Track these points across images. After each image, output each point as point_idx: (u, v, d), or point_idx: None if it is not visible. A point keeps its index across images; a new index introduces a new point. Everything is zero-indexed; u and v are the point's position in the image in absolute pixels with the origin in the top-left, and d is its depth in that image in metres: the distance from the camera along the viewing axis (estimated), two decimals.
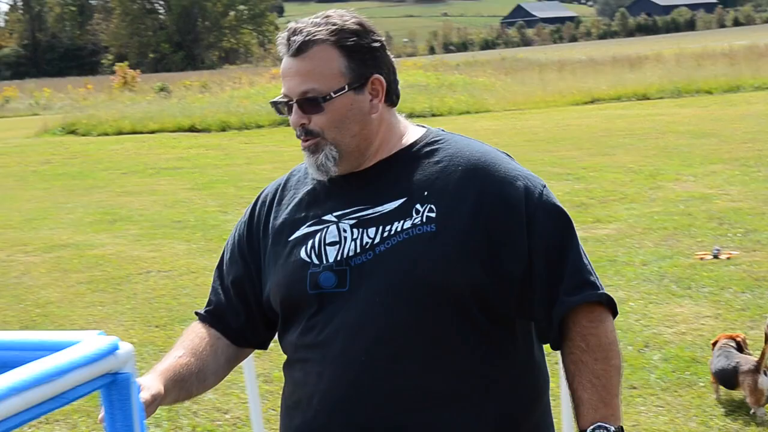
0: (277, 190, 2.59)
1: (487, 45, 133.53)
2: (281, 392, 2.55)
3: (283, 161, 17.71)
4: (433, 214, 2.32)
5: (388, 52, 2.47)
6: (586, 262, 2.36)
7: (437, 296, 2.30)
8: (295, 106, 2.35)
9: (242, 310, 2.58)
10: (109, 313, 8.08)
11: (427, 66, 45.91)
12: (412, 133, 2.50)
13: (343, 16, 2.41)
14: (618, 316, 2.36)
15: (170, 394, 2.44)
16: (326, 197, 2.46)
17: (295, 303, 2.43)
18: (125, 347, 2.04)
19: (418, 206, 2.35)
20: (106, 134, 26.47)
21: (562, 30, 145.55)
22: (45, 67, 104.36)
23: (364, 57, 2.38)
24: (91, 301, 8.57)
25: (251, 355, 4.03)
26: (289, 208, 2.52)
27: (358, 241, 2.36)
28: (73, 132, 27.63)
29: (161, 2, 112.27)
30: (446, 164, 2.40)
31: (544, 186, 2.38)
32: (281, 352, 2.51)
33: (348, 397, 2.31)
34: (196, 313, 2.67)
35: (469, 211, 2.32)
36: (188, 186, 15.61)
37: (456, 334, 2.31)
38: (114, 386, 2.09)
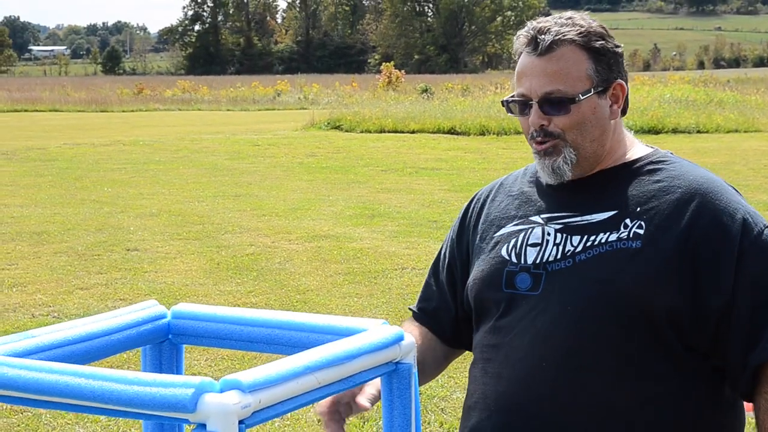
0: (491, 189, 2.56)
1: (762, 62, 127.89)
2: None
3: None
4: (641, 231, 2.23)
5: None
6: None
7: (632, 313, 2.20)
8: (535, 107, 2.27)
9: (454, 308, 2.55)
10: (364, 305, 8.27)
11: (696, 81, 44.56)
12: (638, 149, 2.42)
13: (585, 18, 2.35)
14: None
15: None
16: (538, 199, 2.42)
17: (487, 300, 2.39)
18: (408, 338, 2.13)
19: (627, 221, 2.25)
20: (369, 131, 26.96)
21: None
22: (315, 63, 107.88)
23: (609, 61, 2.32)
24: (347, 291, 8.81)
25: None
26: (501, 205, 2.48)
27: (560, 247, 2.30)
28: (337, 127, 28.29)
29: (430, 5, 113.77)
30: (666, 185, 2.30)
31: (767, 226, 2.23)
32: None
33: (525, 402, 2.25)
34: (411, 309, 2.66)
35: (678, 234, 2.21)
36: (446, 187, 15.77)
37: (647, 356, 2.21)
38: (395, 375, 2.18)
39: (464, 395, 6.47)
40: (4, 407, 5.88)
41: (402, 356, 2.15)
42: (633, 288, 2.19)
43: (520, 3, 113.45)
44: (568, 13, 2.37)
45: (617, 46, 2.34)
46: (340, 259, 10.18)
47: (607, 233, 2.26)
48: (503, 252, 2.37)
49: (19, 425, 5.68)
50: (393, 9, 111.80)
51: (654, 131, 23.67)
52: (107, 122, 33.72)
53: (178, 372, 2.55)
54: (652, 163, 2.35)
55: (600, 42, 2.30)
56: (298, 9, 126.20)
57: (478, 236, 2.48)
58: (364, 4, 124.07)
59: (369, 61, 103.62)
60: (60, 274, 9.53)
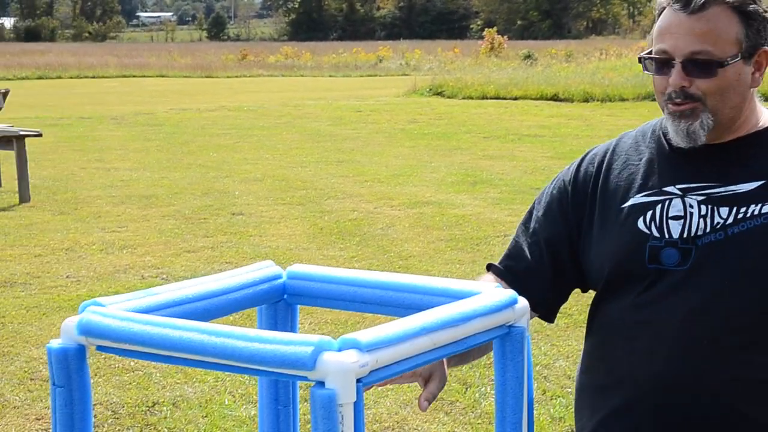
0: (606, 152, 2.43)
1: None
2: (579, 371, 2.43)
3: None
4: None
5: None
6: None
7: None
8: (678, 66, 2.18)
9: (550, 273, 2.43)
10: (467, 271, 8.27)
11: None
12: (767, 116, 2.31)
13: None
14: None
15: (450, 363, 2.41)
16: (667, 167, 2.32)
17: (626, 275, 2.30)
18: (522, 302, 2.13)
19: None
20: (471, 98, 26.89)
21: None
22: (417, 29, 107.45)
23: (759, 26, 2.20)
24: (450, 258, 8.83)
25: None
26: (623, 173, 2.37)
27: (707, 219, 2.20)
28: (439, 94, 28.27)
29: None
30: None
31: None
32: None
33: (687, 380, 2.20)
34: (490, 266, 2.51)
35: None
36: (548, 154, 15.65)
37: None
38: (508, 338, 2.18)
39: (567, 364, 6.40)
40: (117, 366, 6.05)
41: (516, 319, 2.15)
42: None
43: None
44: None
45: (766, 11, 2.23)
46: (442, 225, 10.20)
47: (759, 204, 2.17)
48: (641, 225, 2.27)
49: (130, 383, 5.83)
50: None
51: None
52: (212, 88, 34.12)
53: (293, 332, 2.60)
54: None
55: (753, 6, 2.19)
56: None
57: (598, 203, 2.37)
58: None
59: (471, 26, 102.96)
60: (168, 236, 9.73)
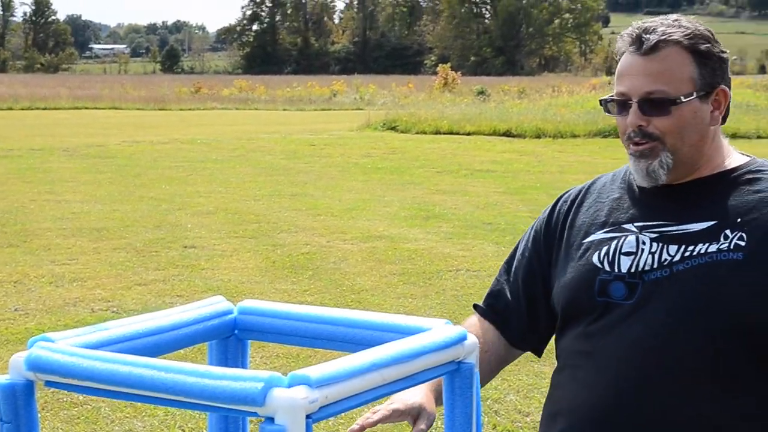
0: (580, 192, 2.48)
1: None
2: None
3: (597, 172, 17.20)
4: (742, 243, 2.15)
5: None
6: None
7: (733, 327, 2.13)
8: (634, 107, 2.21)
9: (527, 309, 2.49)
10: (419, 305, 8.28)
11: (757, 85, 44.02)
12: (735, 158, 2.33)
13: (692, 21, 2.27)
14: None
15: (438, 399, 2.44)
16: (630, 206, 2.34)
17: (577, 307, 2.33)
18: (471, 338, 2.15)
19: (727, 232, 2.17)
20: (424, 133, 26.98)
21: None
22: (371, 64, 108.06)
23: (713, 66, 2.24)
24: (402, 292, 8.83)
25: None
26: (590, 211, 2.41)
27: (656, 256, 2.22)
28: (393, 128, 28.32)
29: (488, 7, 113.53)
30: (766, 195, 2.21)
31: None
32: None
33: (615, 413, 2.21)
34: (475, 306, 2.60)
35: None
36: (500, 189, 15.73)
37: (748, 371, 2.15)
38: (457, 374, 2.20)
39: (517, 398, 6.46)
40: (65, 400, 5.98)
41: (465, 355, 2.17)
42: (735, 301, 2.13)
43: (579, 5, 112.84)
44: (674, 16, 2.30)
45: (723, 52, 2.27)
46: (395, 259, 10.20)
47: (707, 244, 2.18)
48: (595, 259, 2.31)
49: (78, 417, 5.77)
50: (450, 10, 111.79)
51: None
52: (165, 120, 33.99)
53: (243, 367, 2.59)
54: (751, 172, 2.28)
55: (706, 45, 2.23)
56: (355, 9, 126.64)
57: (564, 241, 2.43)
58: (422, 5, 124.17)
59: (425, 62, 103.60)
60: (119, 269, 9.65)
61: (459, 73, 52.12)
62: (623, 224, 2.31)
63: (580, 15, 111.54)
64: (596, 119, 26.68)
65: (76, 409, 5.88)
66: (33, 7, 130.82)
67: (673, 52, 2.21)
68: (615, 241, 2.30)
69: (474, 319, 2.60)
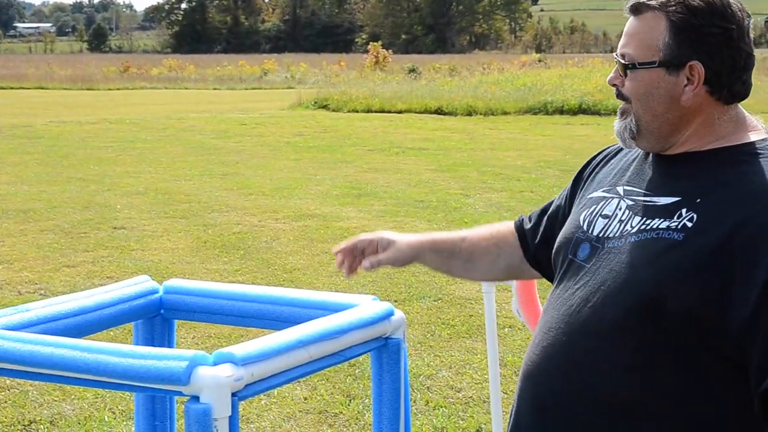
0: (617, 147, 2.45)
1: None
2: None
3: (528, 149, 17.66)
4: (690, 224, 2.09)
5: (743, 44, 2.16)
6: None
7: (652, 304, 2.08)
8: (617, 64, 2.23)
9: (542, 234, 2.57)
10: (351, 284, 8.25)
11: None
12: (738, 136, 2.22)
13: None
14: None
15: (426, 254, 2.64)
16: (633, 170, 2.33)
17: (557, 260, 2.36)
18: (398, 314, 2.16)
19: (683, 210, 2.12)
20: (356, 111, 26.95)
21: None
22: (302, 42, 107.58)
23: (689, 39, 2.15)
24: (334, 270, 8.77)
25: (494, 337, 4.13)
26: (609, 168, 2.42)
27: (622, 225, 2.21)
28: (324, 107, 28.25)
29: None
30: (738, 179, 2.13)
31: None
32: (516, 337, 2.48)
33: (541, 370, 2.22)
34: (521, 219, 2.70)
35: (722, 235, 2.04)
36: (432, 167, 15.76)
37: (657, 350, 2.11)
38: (385, 349, 2.22)
39: (450, 374, 6.51)
40: None
41: (392, 331, 2.18)
42: (654, 281, 2.09)
43: None
44: None
45: (716, 27, 2.15)
46: (327, 238, 10.18)
47: (662, 220, 2.14)
48: (581, 217, 2.33)
49: (5, 401, 5.69)
50: None
51: None
52: (93, 100, 33.57)
53: (170, 347, 2.58)
54: (746, 153, 2.18)
55: (685, 16, 2.15)
56: None
57: (583, 191, 2.46)
58: None
59: (356, 40, 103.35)
60: (46, 251, 9.52)
61: (390, 51, 52.05)
62: (617, 186, 2.31)
63: None
64: (526, 96, 26.85)
65: (2, 393, 5.81)
66: None
67: (650, 17, 2.17)
68: (602, 202, 2.30)
69: (509, 224, 2.69)
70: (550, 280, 2.53)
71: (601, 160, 2.47)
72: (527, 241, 2.60)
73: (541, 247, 2.55)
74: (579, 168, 2.55)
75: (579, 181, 2.52)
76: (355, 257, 2.61)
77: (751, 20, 2.18)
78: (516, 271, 2.67)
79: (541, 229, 2.58)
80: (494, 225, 2.69)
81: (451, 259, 2.65)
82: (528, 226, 2.62)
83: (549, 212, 2.59)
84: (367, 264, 2.57)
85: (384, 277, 8.53)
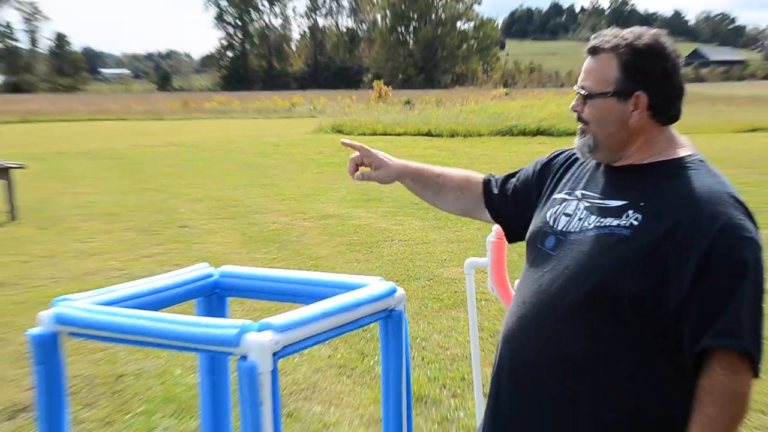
0: (575, 157, 2.40)
1: None
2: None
3: (497, 162, 17.56)
4: (636, 223, 2.07)
5: (676, 79, 2.16)
6: (747, 315, 1.98)
7: (603, 290, 2.06)
8: (578, 95, 2.21)
9: (503, 194, 2.54)
10: (363, 269, 8.27)
11: None
12: (671, 152, 2.20)
13: (641, 35, 2.16)
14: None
15: (406, 180, 2.66)
16: (588, 177, 2.29)
17: (529, 249, 2.31)
18: (400, 291, 2.15)
19: (630, 212, 2.10)
20: (364, 134, 26.84)
21: (731, 71, 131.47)
22: (322, 81, 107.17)
23: (635, 74, 2.13)
24: (349, 258, 8.80)
25: (474, 308, 4.11)
26: (569, 173, 2.37)
27: (581, 222, 2.18)
28: (339, 131, 28.15)
29: (411, 36, 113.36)
30: (675, 187, 2.10)
31: (743, 238, 2.01)
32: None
33: (517, 336, 2.19)
34: (489, 177, 2.65)
35: (662, 232, 2.02)
36: None
37: (607, 324, 2.07)
38: (390, 319, 2.21)
39: (439, 337, 6.42)
40: (91, 346, 5.90)
41: (395, 304, 2.17)
42: (606, 268, 2.07)
43: (481, 33, 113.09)
44: (637, 28, 2.20)
45: (658, 65, 2.14)
46: (344, 233, 10.17)
47: (612, 218, 2.12)
48: (548, 213, 2.29)
49: (101, 360, 5.71)
50: (382, 39, 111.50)
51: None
52: (161, 129, 33.51)
53: (224, 318, 2.57)
54: (677, 167, 2.15)
55: (632, 56, 2.13)
56: (308, 39, 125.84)
57: (550, 188, 2.41)
58: (360, 35, 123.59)
59: (364, 79, 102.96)
60: (128, 245, 9.53)
61: (390, 87, 51.84)
62: (575, 191, 2.28)
63: (482, 41, 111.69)
64: (496, 122, 26.78)
65: (100, 353, 5.82)
66: (55, 42, 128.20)
67: (604, 57, 2.16)
68: (564, 203, 2.27)
69: (479, 176, 2.65)
70: (501, 225, 2.59)
71: (563, 164, 2.43)
72: (491, 196, 2.57)
73: (501, 202, 2.55)
74: (545, 157, 2.50)
75: (547, 170, 2.46)
76: (357, 165, 2.64)
77: (683, 60, 2.17)
78: (470, 213, 2.64)
79: (509, 189, 2.55)
80: (467, 172, 2.65)
81: (425, 188, 2.64)
82: (495, 187, 2.58)
83: (515, 181, 2.55)
84: (359, 176, 2.62)
85: (388, 262, 8.53)
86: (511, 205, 2.54)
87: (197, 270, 2.49)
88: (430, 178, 2.64)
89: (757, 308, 1.99)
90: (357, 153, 2.65)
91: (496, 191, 2.57)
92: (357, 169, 2.66)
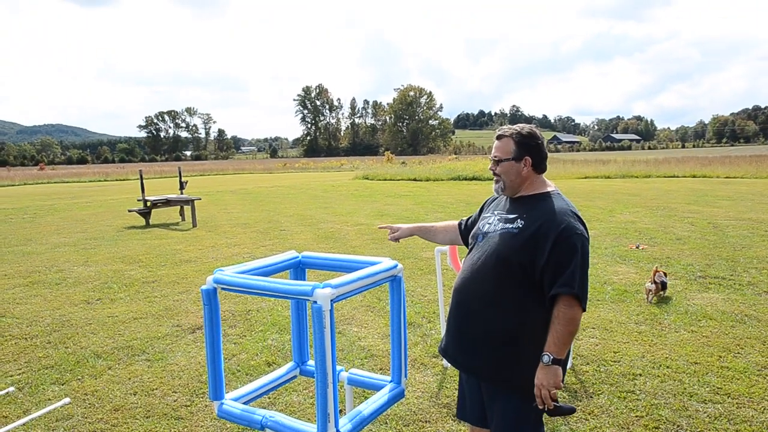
0: (496, 197, 2.33)
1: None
2: None
3: (453, 194, 17.32)
4: (521, 225, 2.06)
5: (543, 149, 2.15)
6: (579, 274, 1.97)
7: (503, 260, 2.03)
8: (492, 161, 2.19)
9: (468, 229, 2.44)
10: (379, 252, 8.10)
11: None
12: (542, 188, 2.17)
13: (524, 127, 2.14)
14: (590, 278, 2.04)
15: (417, 233, 2.52)
16: (501, 205, 2.23)
17: (471, 241, 2.25)
18: (400, 266, 2.11)
19: (519, 220, 2.09)
20: (380, 180, 26.69)
21: (573, 146, 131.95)
22: (357, 152, 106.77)
23: (523, 148, 2.10)
24: (372, 247, 8.67)
25: (440, 276, 4.01)
26: (492, 204, 2.30)
27: (495, 226, 2.13)
28: (366, 178, 27.79)
29: (405, 128, 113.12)
30: (543, 207, 2.08)
31: (576, 233, 2.00)
32: (450, 275, 2.38)
33: (461, 289, 2.12)
34: (461, 222, 2.52)
35: (534, 230, 2.03)
36: (412, 202, 15.29)
37: (508, 279, 2.03)
38: (394, 281, 2.16)
39: (422, 291, 6.27)
40: (229, 297, 5.84)
41: (397, 273, 2.14)
42: (506, 249, 2.04)
43: (442, 126, 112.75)
44: (521, 125, 2.18)
45: (533, 141, 2.12)
46: (368, 233, 10.05)
47: (509, 224, 2.09)
48: (480, 224, 2.24)
49: (237, 304, 5.65)
50: (389, 129, 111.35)
51: None
52: (272, 178, 33.38)
53: (304, 281, 2.52)
54: (546, 196, 2.13)
55: (521, 138, 2.10)
56: (350, 129, 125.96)
57: (484, 212, 2.36)
58: (377, 127, 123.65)
59: (380, 150, 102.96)
60: (253, 240, 9.46)
61: (393, 154, 51.66)
62: (494, 211, 2.23)
63: (443, 130, 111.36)
64: (450, 173, 26.56)
65: (236, 298, 5.72)
66: (217, 133, 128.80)
67: (506, 140, 2.14)
68: (488, 217, 2.22)
69: (455, 222, 2.54)
70: (467, 246, 2.49)
71: (491, 201, 2.39)
72: (463, 232, 2.50)
73: (466, 235, 2.49)
74: (482, 202, 2.51)
75: (484, 207, 2.42)
76: (391, 231, 2.60)
77: (547, 140, 2.16)
78: (454, 242, 2.57)
79: (469, 225, 2.47)
80: (449, 222, 2.58)
81: (426, 234, 2.57)
82: (463, 226, 2.51)
83: (470, 219, 2.49)
84: (392, 238, 2.57)
85: (393, 250, 8.40)
86: (468, 226, 2.51)
87: (290, 254, 2.45)
88: (429, 229, 2.58)
89: (584, 272, 2.00)
90: (388, 227, 2.63)
91: (464, 228, 2.52)
92: (389, 234, 2.64)
